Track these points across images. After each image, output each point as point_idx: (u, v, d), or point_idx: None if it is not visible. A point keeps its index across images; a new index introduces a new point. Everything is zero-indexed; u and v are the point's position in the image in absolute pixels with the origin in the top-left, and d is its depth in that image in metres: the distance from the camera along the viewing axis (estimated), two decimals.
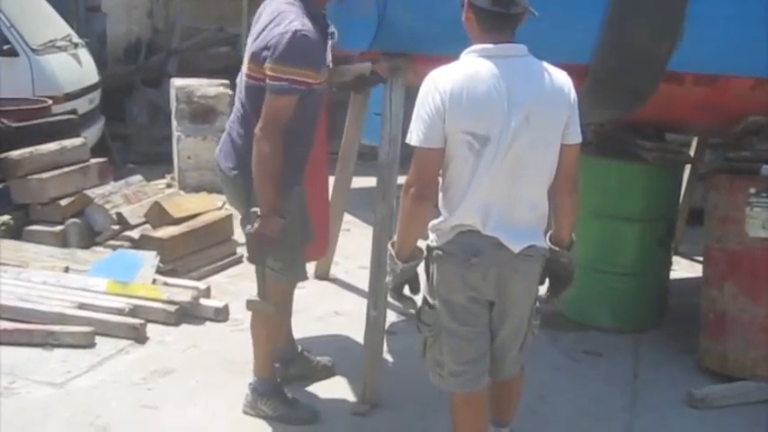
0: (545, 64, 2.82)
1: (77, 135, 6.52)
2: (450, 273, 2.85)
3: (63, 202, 5.79)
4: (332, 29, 3.54)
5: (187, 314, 4.81)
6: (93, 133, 7.72)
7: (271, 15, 3.34)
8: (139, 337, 4.52)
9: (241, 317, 4.54)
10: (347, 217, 5.74)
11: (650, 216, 4.86)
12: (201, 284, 5.13)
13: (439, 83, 2.72)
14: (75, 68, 7.97)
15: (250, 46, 3.42)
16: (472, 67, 2.73)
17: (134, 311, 4.66)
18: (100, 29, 10.18)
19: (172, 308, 4.75)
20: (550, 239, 2.97)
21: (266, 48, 3.28)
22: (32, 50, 7.35)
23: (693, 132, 5.73)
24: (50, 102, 6.91)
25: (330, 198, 5.17)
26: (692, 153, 5.79)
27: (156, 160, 8.72)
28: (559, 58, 2.96)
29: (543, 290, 3.07)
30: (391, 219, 3.72)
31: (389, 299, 3.19)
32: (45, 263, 5.24)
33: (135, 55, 10.66)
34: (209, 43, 11.04)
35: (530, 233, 2.84)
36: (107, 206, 5.85)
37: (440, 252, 2.85)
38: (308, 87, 3.29)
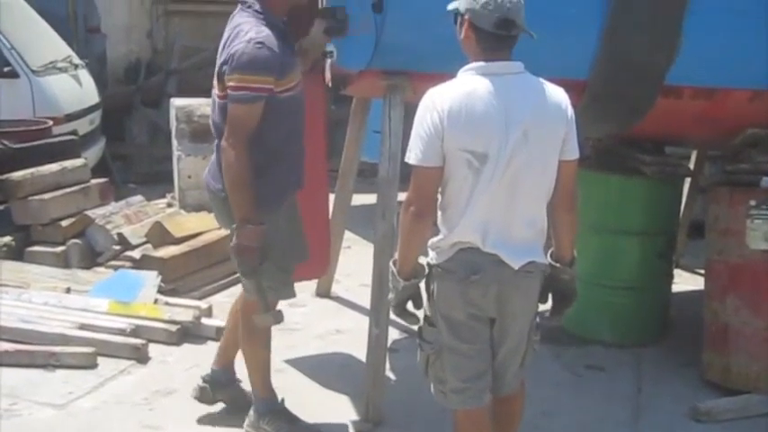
0: (541, 80, 2.83)
1: (78, 156, 6.54)
2: (450, 290, 2.84)
3: (64, 223, 5.80)
4: (330, 47, 3.55)
5: (189, 334, 4.81)
6: (93, 154, 7.74)
7: (229, 33, 3.36)
8: (141, 357, 4.52)
9: None
10: (348, 234, 5.75)
11: (651, 230, 4.86)
12: (203, 304, 5.13)
13: (437, 101, 2.73)
14: (76, 89, 7.99)
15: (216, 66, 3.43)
16: (470, 85, 2.74)
17: (136, 332, 4.65)
18: (100, 50, 10.22)
19: (173, 327, 4.75)
20: (551, 256, 2.97)
21: (225, 63, 3.30)
22: (33, 72, 7.38)
23: (692, 145, 5.74)
24: (51, 123, 6.92)
25: (330, 215, 5.17)
26: (691, 166, 5.79)
27: (156, 180, 8.73)
28: (557, 74, 2.97)
29: (545, 307, 3.06)
30: (392, 236, 3.72)
31: (392, 316, 3.19)
32: (46, 284, 5.24)
33: (135, 75, 10.68)
34: (209, 63, 10.98)
35: (529, 249, 2.84)
36: (108, 226, 5.85)
37: (440, 270, 2.85)
38: (269, 93, 3.28)
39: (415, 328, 3.02)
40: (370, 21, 3.70)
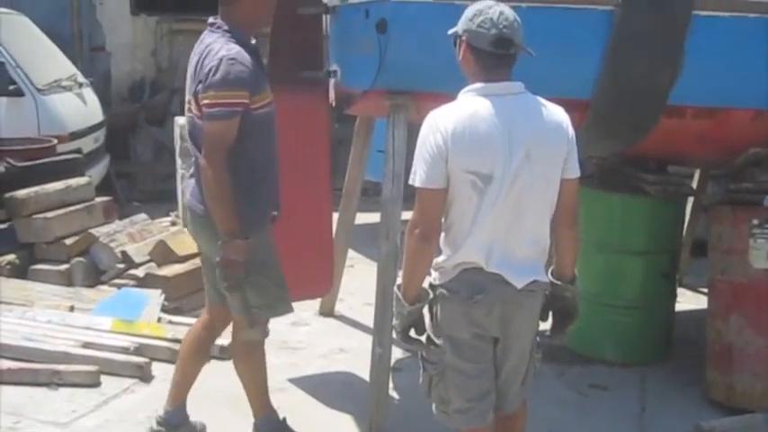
0: (542, 100, 2.84)
1: (82, 174, 6.56)
2: (453, 310, 2.84)
3: (68, 241, 5.81)
4: (334, 67, 3.55)
5: None
6: (97, 172, 7.76)
7: (199, 54, 3.34)
8: (144, 375, 4.51)
9: None
10: (351, 253, 5.75)
11: (654, 249, 4.86)
12: None
13: (440, 123, 2.74)
14: (81, 108, 8.03)
15: (188, 88, 3.41)
16: (472, 106, 2.75)
17: (139, 350, 4.65)
18: (104, 68, 10.28)
19: (177, 346, 4.73)
20: (552, 274, 2.98)
21: (200, 82, 3.28)
22: (38, 90, 7.41)
23: (695, 165, 5.75)
24: (56, 141, 6.95)
25: (334, 234, 5.17)
26: (694, 185, 5.80)
27: (160, 198, 8.75)
28: (561, 93, 2.99)
29: (547, 325, 3.06)
30: (396, 255, 3.73)
31: (395, 338, 3.18)
32: (50, 302, 5.25)
33: (139, 94, 10.73)
34: None
35: (531, 268, 2.85)
36: (112, 245, 5.86)
37: (443, 290, 2.85)
38: (243, 108, 3.26)
39: (423, 353, 3.01)
40: (373, 40, 3.73)
